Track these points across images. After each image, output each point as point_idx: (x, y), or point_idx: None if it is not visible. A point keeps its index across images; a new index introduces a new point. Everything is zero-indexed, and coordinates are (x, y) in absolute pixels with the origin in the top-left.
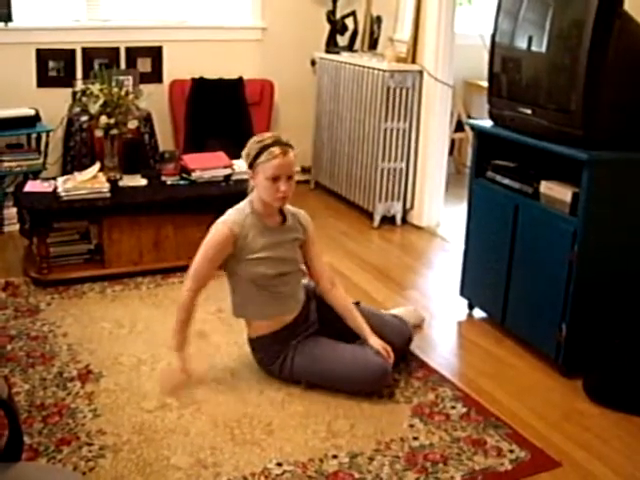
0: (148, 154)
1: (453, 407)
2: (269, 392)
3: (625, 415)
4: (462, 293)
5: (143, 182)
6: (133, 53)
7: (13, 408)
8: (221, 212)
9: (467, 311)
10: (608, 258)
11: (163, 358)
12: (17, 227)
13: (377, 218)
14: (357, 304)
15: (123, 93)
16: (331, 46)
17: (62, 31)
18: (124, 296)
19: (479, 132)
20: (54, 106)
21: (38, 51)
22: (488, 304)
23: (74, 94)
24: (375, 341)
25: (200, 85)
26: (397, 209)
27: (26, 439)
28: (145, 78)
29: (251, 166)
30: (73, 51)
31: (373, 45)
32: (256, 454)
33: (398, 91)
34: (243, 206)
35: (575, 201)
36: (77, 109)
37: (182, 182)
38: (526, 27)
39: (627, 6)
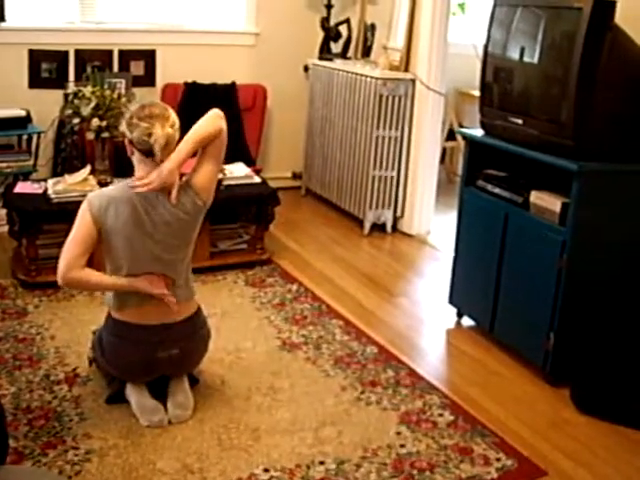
0: None
1: (440, 415)
2: (256, 398)
3: (612, 424)
4: (451, 301)
5: None
6: (126, 56)
7: None
8: (212, 216)
9: (456, 319)
10: (596, 268)
11: None
12: (6, 228)
13: (367, 225)
14: None
15: (115, 96)
16: (324, 53)
17: (55, 32)
18: None
19: (470, 141)
20: (46, 108)
21: (31, 52)
22: (477, 312)
23: (66, 96)
24: None
25: (193, 89)
26: (387, 217)
27: (11, 442)
28: (138, 81)
29: None
30: (66, 53)
31: (366, 53)
32: (243, 460)
33: (390, 99)
34: None
35: (564, 211)
36: (69, 111)
37: None
38: (518, 38)
39: (618, 18)
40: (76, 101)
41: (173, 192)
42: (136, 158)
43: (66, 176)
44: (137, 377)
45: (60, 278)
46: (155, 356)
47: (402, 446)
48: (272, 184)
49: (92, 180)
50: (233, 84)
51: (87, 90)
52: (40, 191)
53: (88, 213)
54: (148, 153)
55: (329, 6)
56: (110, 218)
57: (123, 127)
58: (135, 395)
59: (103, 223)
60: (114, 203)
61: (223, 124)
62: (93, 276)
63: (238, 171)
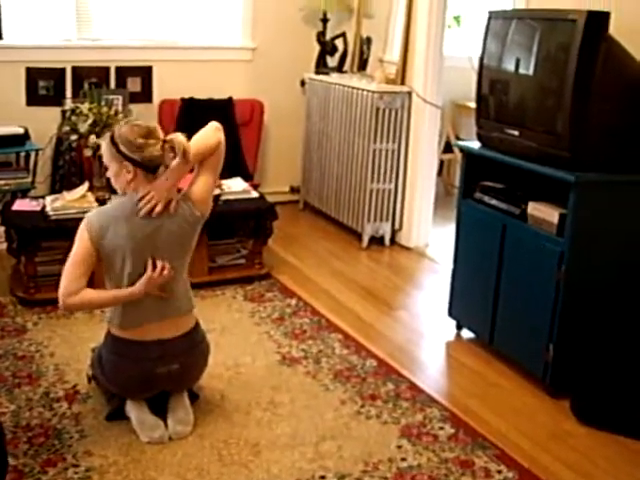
0: None
1: (441, 428)
2: (256, 412)
3: (612, 435)
4: (450, 314)
5: None
6: (123, 73)
7: None
8: (210, 231)
9: (455, 331)
10: (595, 279)
11: None
12: (4, 246)
13: (366, 239)
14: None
15: (112, 112)
16: (321, 67)
17: (52, 50)
18: None
19: (467, 153)
20: (43, 125)
21: (28, 69)
22: (476, 324)
23: (63, 113)
24: None
25: (190, 105)
26: (386, 230)
27: (11, 460)
28: (135, 98)
29: None
30: (63, 70)
31: (362, 66)
32: (243, 475)
33: (387, 112)
34: None
35: (562, 222)
36: (66, 128)
37: None
38: (514, 50)
39: (612, 30)
40: (73, 118)
41: (173, 203)
42: (137, 180)
43: (64, 193)
44: (137, 394)
45: (61, 304)
46: (154, 372)
47: (403, 460)
48: (270, 198)
49: (90, 197)
50: (230, 99)
51: (84, 107)
52: (38, 208)
53: (87, 234)
54: (155, 169)
55: (325, 20)
56: (109, 237)
57: (126, 152)
58: (135, 411)
59: (102, 244)
60: (114, 222)
61: (222, 136)
62: (93, 296)
63: (236, 186)
